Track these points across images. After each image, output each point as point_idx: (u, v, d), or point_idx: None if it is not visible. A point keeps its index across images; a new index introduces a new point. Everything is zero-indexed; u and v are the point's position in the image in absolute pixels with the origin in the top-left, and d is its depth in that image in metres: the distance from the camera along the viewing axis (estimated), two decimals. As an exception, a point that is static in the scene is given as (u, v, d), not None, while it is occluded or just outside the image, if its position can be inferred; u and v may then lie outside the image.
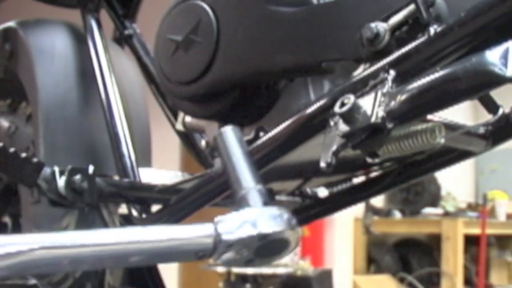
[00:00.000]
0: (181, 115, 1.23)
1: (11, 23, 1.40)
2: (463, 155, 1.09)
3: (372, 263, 5.44)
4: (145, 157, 1.39)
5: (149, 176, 1.23)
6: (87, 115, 1.32)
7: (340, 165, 0.78)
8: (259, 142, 0.93)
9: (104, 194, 1.12)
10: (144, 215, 1.16)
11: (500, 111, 0.90)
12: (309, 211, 1.31)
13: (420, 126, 0.77)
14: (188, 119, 1.22)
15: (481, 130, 1.01)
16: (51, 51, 1.34)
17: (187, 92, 1.07)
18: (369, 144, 0.75)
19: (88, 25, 1.38)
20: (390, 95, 0.73)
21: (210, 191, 1.04)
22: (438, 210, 5.36)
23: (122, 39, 1.52)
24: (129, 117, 1.26)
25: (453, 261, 4.96)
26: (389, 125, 0.72)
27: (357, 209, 5.03)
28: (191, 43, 1.05)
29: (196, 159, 1.37)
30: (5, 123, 1.44)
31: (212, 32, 1.02)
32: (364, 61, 0.84)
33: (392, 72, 0.76)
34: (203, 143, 1.20)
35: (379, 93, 0.74)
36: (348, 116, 0.73)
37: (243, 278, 4.06)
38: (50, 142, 1.26)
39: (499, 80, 0.66)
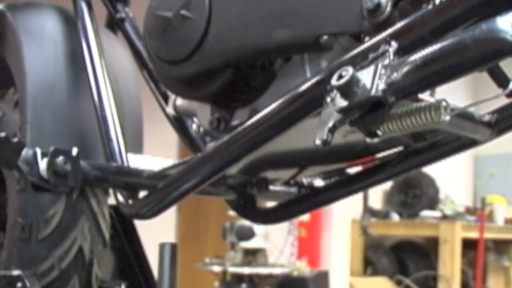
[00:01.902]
0: (172, 98, 1.18)
1: None
2: (465, 145, 1.04)
3: (369, 265, 5.40)
4: (136, 143, 1.34)
5: (139, 162, 1.19)
6: (76, 101, 1.27)
7: (336, 153, 0.72)
8: (252, 120, 0.88)
9: (89, 178, 1.07)
10: (130, 201, 1.12)
11: (511, 85, 0.84)
12: (306, 202, 1.26)
13: (424, 103, 0.71)
14: (179, 102, 1.17)
15: (487, 118, 0.96)
16: (40, 35, 1.29)
17: (178, 71, 1.02)
18: (368, 121, 0.69)
19: (79, 9, 1.34)
20: (391, 67, 0.68)
21: (196, 176, 0.99)
22: (436, 213, 5.33)
23: (115, 24, 1.47)
24: (120, 103, 1.22)
25: (450, 265, 4.92)
26: (391, 99, 0.67)
27: (355, 211, 4.99)
28: (183, 19, 1.00)
29: (187, 145, 1.33)
30: (-8, 109, 1.40)
31: (204, 6, 0.97)
32: (364, 34, 0.79)
33: (394, 44, 0.71)
34: (194, 127, 1.15)
35: (380, 65, 0.69)
36: (346, 89, 0.68)
37: (239, 278, 4.02)
38: (37, 128, 1.21)
39: (511, 48, 0.61)
